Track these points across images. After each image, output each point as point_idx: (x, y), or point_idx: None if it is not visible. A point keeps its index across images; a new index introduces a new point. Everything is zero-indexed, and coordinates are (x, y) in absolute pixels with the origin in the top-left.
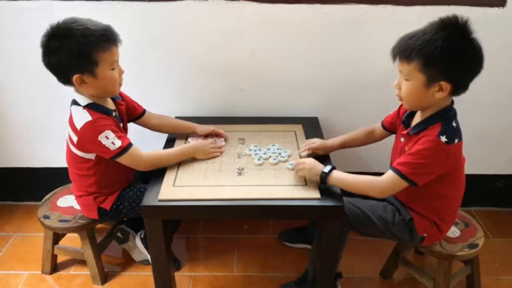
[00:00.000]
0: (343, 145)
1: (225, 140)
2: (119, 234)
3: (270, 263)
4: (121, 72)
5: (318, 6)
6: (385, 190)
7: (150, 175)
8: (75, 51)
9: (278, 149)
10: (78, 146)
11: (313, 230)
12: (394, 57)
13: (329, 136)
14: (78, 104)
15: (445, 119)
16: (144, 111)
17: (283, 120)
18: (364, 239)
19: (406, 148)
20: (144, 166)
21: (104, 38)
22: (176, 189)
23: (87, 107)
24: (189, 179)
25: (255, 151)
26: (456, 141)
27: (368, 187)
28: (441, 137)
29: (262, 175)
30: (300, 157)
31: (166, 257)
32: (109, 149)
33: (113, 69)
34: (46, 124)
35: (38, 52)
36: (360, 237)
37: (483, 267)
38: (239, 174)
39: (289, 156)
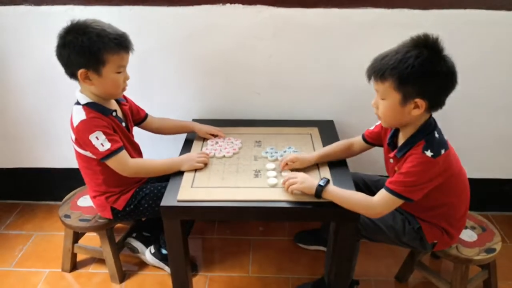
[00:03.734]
0: (321, 159)
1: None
2: (129, 246)
3: (285, 265)
4: (126, 78)
5: (334, 10)
6: (381, 211)
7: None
8: (86, 46)
9: (294, 151)
10: (77, 143)
11: (326, 232)
12: (369, 78)
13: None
14: (79, 103)
15: (426, 134)
16: (146, 115)
17: (299, 123)
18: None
19: (396, 168)
20: (129, 173)
21: (117, 42)
22: (194, 190)
23: (85, 105)
24: (207, 180)
25: (271, 153)
26: (443, 151)
27: (364, 208)
28: (426, 152)
29: (278, 177)
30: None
31: (184, 257)
32: (98, 149)
33: (119, 72)
34: (66, 126)
35: None
36: None
37: (500, 272)
38: (256, 176)
39: None
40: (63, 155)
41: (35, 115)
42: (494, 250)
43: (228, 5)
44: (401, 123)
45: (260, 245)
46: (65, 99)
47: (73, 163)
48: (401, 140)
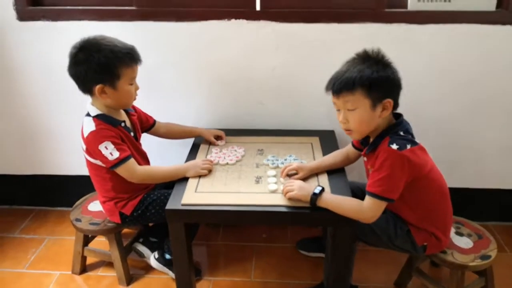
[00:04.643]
0: (321, 169)
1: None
2: (136, 251)
3: (286, 271)
4: (136, 88)
5: (334, 25)
6: (372, 216)
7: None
8: (103, 63)
9: (294, 159)
10: (87, 153)
11: (326, 240)
12: (337, 92)
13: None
14: (89, 115)
15: (392, 133)
16: (154, 122)
17: (300, 132)
18: (378, 249)
19: (369, 167)
20: (136, 180)
21: (129, 56)
22: (198, 194)
23: (95, 117)
24: (210, 186)
25: (272, 161)
26: (408, 146)
27: (357, 214)
28: (391, 146)
29: (278, 183)
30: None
31: (188, 260)
32: (107, 158)
33: (131, 84)
34: (78, 135)
35: None
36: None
37: (499, 280)
38: (257, 182)
39: None
40: (75, 163)
41: (49, 125)
42: (489, 257)
43: (233, 20)
44: (371, 128)
45: (263, 251)
46: (77, 110)
47: (84, 171)
48: (371, 139)
